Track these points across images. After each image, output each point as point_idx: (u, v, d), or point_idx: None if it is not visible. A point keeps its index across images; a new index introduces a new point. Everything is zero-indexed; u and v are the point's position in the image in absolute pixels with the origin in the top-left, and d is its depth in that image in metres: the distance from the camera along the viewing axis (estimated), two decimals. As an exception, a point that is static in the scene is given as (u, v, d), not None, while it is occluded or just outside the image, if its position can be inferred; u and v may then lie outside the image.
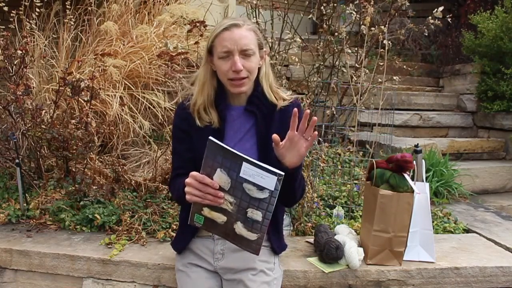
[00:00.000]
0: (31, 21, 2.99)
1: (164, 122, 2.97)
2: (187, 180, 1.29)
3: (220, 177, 1.25)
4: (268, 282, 1.48)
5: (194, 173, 1.29)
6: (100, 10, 3.32)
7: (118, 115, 2.79)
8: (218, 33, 1.45)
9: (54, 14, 3.20)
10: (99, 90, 2.61)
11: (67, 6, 3.06)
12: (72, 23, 3.12)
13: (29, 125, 2.32)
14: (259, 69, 1.52)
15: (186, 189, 1.30)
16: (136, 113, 2.87)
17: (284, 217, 1.95)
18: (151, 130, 2.94)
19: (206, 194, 1.27)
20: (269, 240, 1.59)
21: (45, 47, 3.10)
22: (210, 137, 1.23)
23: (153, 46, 3.10)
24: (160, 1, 3.54)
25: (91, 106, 2.54)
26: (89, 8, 3.26)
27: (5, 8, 2.83)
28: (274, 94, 1.54)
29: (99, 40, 3.20)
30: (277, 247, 1.61)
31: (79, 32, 3.21)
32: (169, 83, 2.89)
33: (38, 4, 2.96)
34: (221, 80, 1.50)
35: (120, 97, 2.81)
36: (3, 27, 2.78)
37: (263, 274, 1.49)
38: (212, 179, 1.26)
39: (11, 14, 2.92)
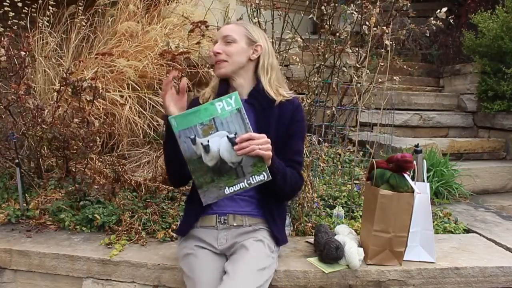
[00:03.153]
0: (43, 18, 3.00)
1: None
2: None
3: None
4: (266, 254, 1.55)
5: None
6: (110, 12, 3.35)
7: (125, 115, 2.81)
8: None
9: (68, 15, 3.22)
10: (102, 90, 2.61)
11: (79, 7, 3.09)
12: (84, 23, 3.15)
13: (30, 124, 2.32)
14: (257, 64, 1.66)
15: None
16: (144, 113, 2.90)
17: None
18: (153, 129, 2.95)
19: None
20: (269, 227, 1.65)
21: (55, 46, 3.11)
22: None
23: (156, 46, 3.12)
24: (168, 3, 3.58)
25: (102, 107, 2.55)
26: (100, 10, 3.29)
27: (19, 4, 2.84)
28: (274, 89, 1.66)
29: (107, 40, 3.22)
30: (279, 236, 1.65)
31: (87, 32, 3.23)
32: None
33: (52, 3, 2.97)
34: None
35: (126, 98, 2.83)
36: (16, 21, 2.79)
37: (261, 244, 1.56)
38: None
39: (24, 10, 2.92)
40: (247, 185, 1.47)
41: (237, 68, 1.64)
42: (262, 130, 1.54)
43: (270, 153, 1.44)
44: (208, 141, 1.40)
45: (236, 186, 1.47)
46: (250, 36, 1.65)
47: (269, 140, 1.44)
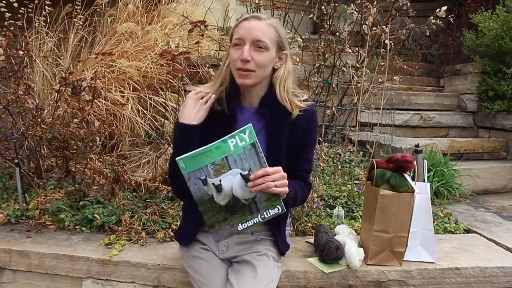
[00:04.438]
0: (40, 18, 3.00)
1: (165, 122, 2.98)
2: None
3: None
4: (272, 266, 1.52)
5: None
6: (109, 12, 3.35)
7: (127, 115, 2.81)
8: (238, 23, 1.47)
9: (65, 14, 3.22)
10: (102, 90, 2.61)
11: (77, 7, 3.08)
12: (81, 23, 3.14)
13: (29, 124, 2.31)
14: (275, 70, 1.50)
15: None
16: (145, 113, 2.90)
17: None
18: (154, 129, 2.96)
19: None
20: (273, 237, 1.63)
21: (53, 46, 3.11)
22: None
23: (156, 46, 3.12)
24: (168, 3, 3.58)
25: (104, 107, 2.56)
26: (98, 9, 3.29)
27: (15, 4, 2.84)
28: (290, 101, 1.50)
29: (106, 40, 3.22)
30: (282, 247, 1.64)
31: (86, 32, 3.23)
32: (171, 82, 2.89)
33: (48, 3, 2.97)
34: (232, 70, 1.49)
35: (127, 98, 2.84)
36: (12, 21, 2.78)
37: (266, 257, 1.53)
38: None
39: (20, 11, 2.92)
40: (260, 220, 1.40)
41: (262, 79, 1.49)
42: (274, 144, 1.50)
43: (287, 189, 1.35)
44: (220, 180, 1.31)
45: (250, 222, 1.40)
46: (281, 42, 1.47)
47: (285, 174, 1.34)
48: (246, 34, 1.42)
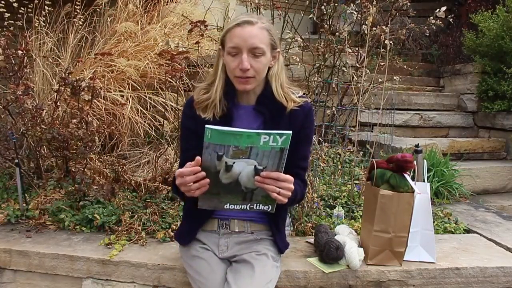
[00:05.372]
0: (40, 18, 3.00)
1: (165, 121, 2.98)
2: (177, 181, 1.33)
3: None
4: (270, 266, 1.52)
5: (180, 170, 1.32)
6: (109, 12, 3.35)
7: (127, 115, 2.81)
8: (229, 28, 1.45)
9: (65, 14, 3.22)
10: (102, 90, 2.61)
11: (76, 7, 3.08)
12: (81, 23, 3.14)
13: (29, 125, 2.31)
14: (269, 68, 1.52)
15: (182, 188, 1.34)
16: (145, 113, 2.90)
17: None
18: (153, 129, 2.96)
19: (201, 181, 1.31)
20: (272, 236, 1.63)
21: (53, 46, 3.11)
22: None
23: (156, 45, 3.12)
24: (167, 3, 3.59)
25: (103, 107, 2.56)
26: (98, 9, 3.29)
27: (15, 4, 2.84)
28: (285, 95, 1.53)
29: (106, 40, 3.22)
30: (282, 246, 1.65)
31: (86, 32, 3.23)
32: (170, 82, 2.89)
33: (48, 3, 2.97)
34: (229, 76, 1.50)
35: (126, 97, 2.84)
36: (12, 21, 2.78)
37: (265, 257, 1.53)
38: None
39: (20, 11, 2.92)
40: (248, 209, 1.43)
41: (260, 81, 1.52)
42: None
43: (286, 200, 1.36)
44: (233, 163, 1.32)
45: (237, 206, 1.43)
46: (274, 42, 1.48)
47: (292, 187, 1.36)
48: (242, 42, 1.41)
